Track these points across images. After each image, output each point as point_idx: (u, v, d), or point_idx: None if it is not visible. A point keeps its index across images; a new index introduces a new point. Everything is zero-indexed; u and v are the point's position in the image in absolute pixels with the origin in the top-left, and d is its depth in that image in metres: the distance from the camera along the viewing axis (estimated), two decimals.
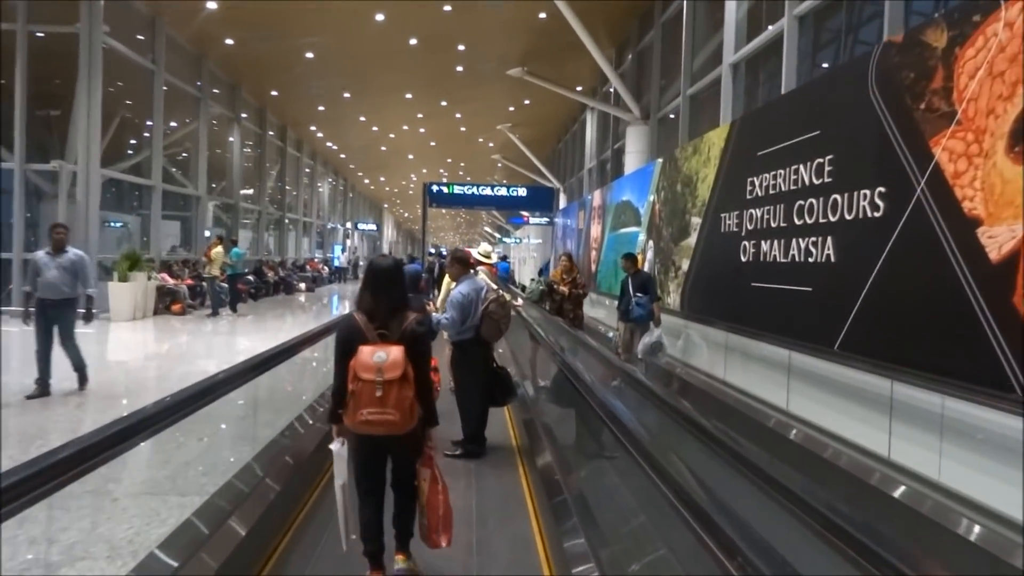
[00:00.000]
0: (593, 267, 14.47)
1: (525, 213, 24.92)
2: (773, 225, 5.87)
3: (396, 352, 2.73)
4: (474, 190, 19.63)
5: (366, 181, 42.08)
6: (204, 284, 14.68)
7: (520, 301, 8.62)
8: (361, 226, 40.84)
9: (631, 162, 13.26)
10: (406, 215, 60.69)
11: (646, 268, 10.30)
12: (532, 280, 10.13)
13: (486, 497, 4.20)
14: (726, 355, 6.85)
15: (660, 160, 9.87)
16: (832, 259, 5.02)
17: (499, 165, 31.95)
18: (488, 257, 6.55)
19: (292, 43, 16.62)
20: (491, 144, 30.00)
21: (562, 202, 23.17)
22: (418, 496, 2.99)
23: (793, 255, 5.56)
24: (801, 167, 5.46)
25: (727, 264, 6.89)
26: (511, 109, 22.92)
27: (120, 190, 16.60)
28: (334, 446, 2.89)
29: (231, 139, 20.05)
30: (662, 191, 9.59)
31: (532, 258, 27.81)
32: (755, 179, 6.28)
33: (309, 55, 17.48)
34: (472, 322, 4.83)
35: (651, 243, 10.05)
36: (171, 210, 18.93)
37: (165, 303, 13.99)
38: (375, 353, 2.72)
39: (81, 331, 6.87)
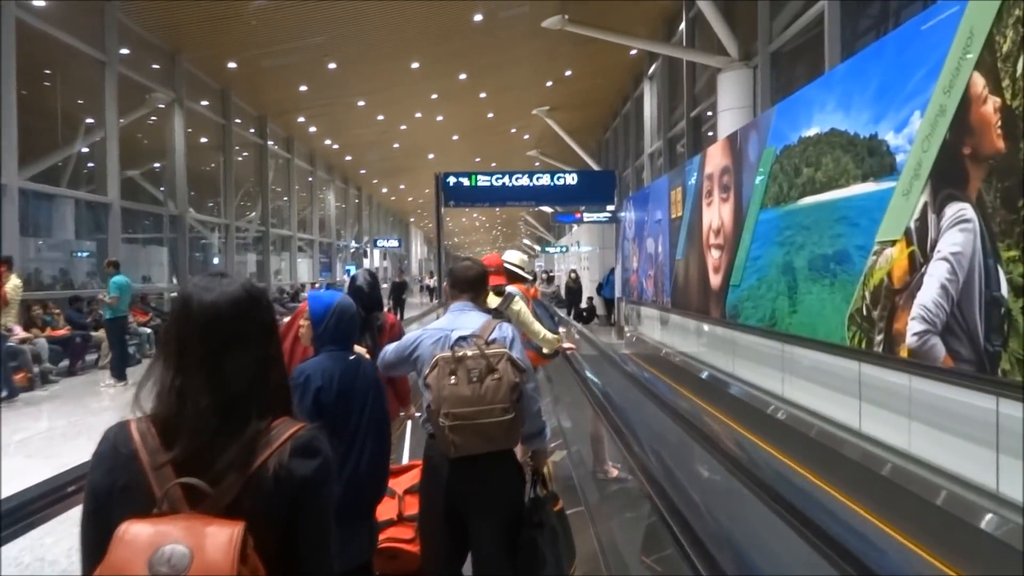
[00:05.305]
0: (716, 279, 8.42)
1: (577, 211, 19.06)
2: None
3: (217, 542, 0.82)
4: (505, 180, 14.25)
5: (384, 191, 36.78)
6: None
7: (565, 340, 4.56)
8: (381, 243, 35.30)
9: (727, 124, 9.34)
10: None
11: (932, 273, 4.25)
12: None
13: None
14: None
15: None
16: None
17: (536, 164, 26.38)
18: (521, 270, 3.93)
19: None
20: (526, 136, 24.85)
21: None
22: None
23: None
24: None
25: None
26: (548, 85, 17.85)
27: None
28: None
29: (174, 129, 14.67)
30: None
31: (586, 269, 21.60)
32: None
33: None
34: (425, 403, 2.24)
35: (967, 214, 3.94)
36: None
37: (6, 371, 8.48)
38: (160, 545, 0.81)
39: None
